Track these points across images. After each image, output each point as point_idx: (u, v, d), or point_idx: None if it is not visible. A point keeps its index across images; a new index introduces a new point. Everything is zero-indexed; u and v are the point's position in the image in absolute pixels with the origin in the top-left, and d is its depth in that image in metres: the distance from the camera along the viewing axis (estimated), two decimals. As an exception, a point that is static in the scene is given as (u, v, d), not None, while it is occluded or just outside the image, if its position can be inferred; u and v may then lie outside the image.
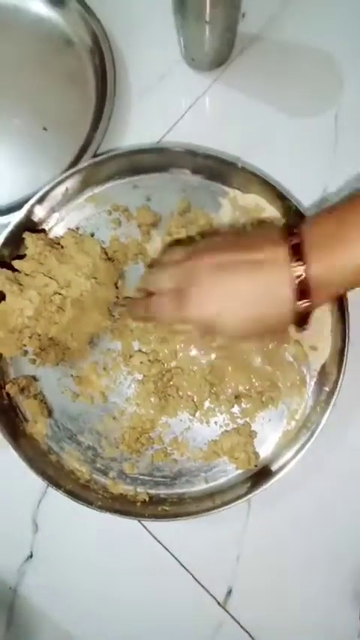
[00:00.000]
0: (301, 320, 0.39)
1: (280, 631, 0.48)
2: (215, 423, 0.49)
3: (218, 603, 0.49)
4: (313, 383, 0.49)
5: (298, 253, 0.36)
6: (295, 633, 0.48)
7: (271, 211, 0.50)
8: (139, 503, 0.48)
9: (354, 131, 0.53)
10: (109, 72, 0.53)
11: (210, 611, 0.49)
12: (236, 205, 0.50)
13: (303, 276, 0.36)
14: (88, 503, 0.47)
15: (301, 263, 0.36)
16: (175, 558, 0.49)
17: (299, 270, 0.36)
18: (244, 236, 0.42)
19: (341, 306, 0.47)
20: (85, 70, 0.54)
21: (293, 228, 0.38)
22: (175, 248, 0.46)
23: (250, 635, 0.48)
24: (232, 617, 0.48)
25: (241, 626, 0.48)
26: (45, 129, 0.54)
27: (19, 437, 0.49)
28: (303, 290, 0.37)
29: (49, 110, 0.54)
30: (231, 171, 0.50)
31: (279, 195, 0.49)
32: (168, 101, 0.55)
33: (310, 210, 0.51)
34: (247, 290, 0.38)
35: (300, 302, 0.37)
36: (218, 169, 0.50)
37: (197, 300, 0.39)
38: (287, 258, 0.37)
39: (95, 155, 0.51)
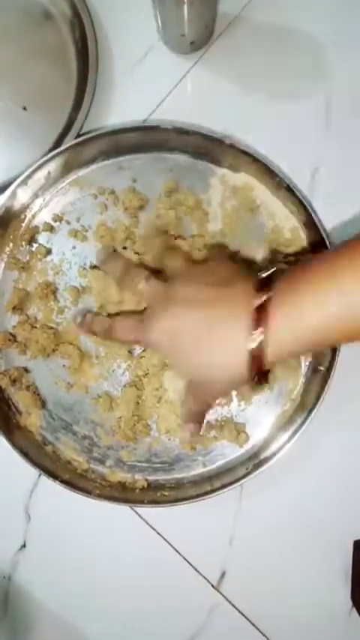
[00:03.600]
0: (258, 378, 0.38)
1: (273, 611, 0.49)
2: (211, 407, 0.48)
3: (212, 586, 0.49)
4: (308, 363, 0.48)
5: (261, 315, 0.36)
6: (287, 613, 0.49)
7: (261, 190, 0.49)
8: (137, 490, 0.48)
9: (345, 112, 0.51)
10: (91, 47, 0.50)
11: (204, 594, 0.49)
12: (226, 185, 0.49)
13: (259, 342, 0.36)
14: (87, 492, 0.46)
15: (261, 330, 0.35)
16: (169, 543, 0.49)
17: (257, 335, 0.36)
18: (220, 277, 0.40)
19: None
20: (65, 45, 0.52)
21: (265, 285, 0.37)
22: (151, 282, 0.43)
23: (244, 616, 0.49)
24: (226, 598, 0.49)
25: (235, 608, 0.49)
26: (25, 109, 0.51)
27: (13, 429, 0.48)
28: (257, 355, 0.36)
29: (29, 89, 0.51)
30: (219, 149, 0.48)
31: (269, 173, 0.48)
32: (154, 79, 0.52)
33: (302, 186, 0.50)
34: (205, 339, 0.37)
35: (253, 370, 0.37)
36: (206, 147, 0.49)
37: (151, 327, 0.39)
38: (249, 318, 0.36)
39: (79, 135, 0.49)
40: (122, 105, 0.52)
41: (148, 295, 0.42)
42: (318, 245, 0.47)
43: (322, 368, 0.47)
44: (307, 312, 0.35)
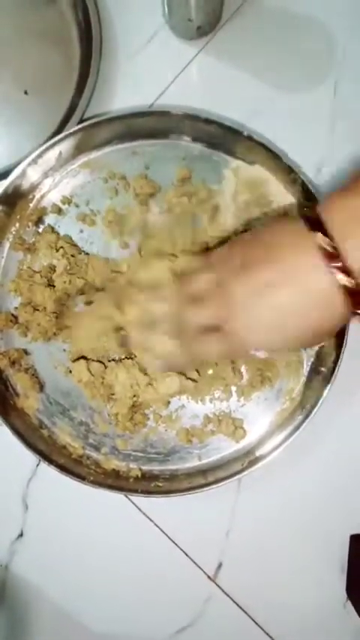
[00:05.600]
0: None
1: (269, 602, 0.49)
2: (210, 401, 0.48)
3: (208, 577, 0.49)
4: (310, 363, 0.48)
5: (331, 250, 0.33)
6: (283, 605, 0.49)
7: (274, 184, 0.48)
8: (131, 479, 0.48)
9: (354, 101, 0.50)
10: (95, 29, 0.49)
11: (200, 585, 0.49)
12: (239, 177, 0.48)
13: (344, 274, 0.32)
14: (81, 478, 0.46)
15: (338, 262, 0.32)
16: (165, 534, 0.50)
17: (337, 266, 0.32)
18: (267, 238, 0.37)
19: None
20: (68, 27, 0.50)
21: (312, 220, 0.34)
22: (189, 275, 0.41)
23: (240, 607, 0.49)
24: (222, 590, 0.49)
25: (231, 599, 0.49)
26: (26, 93, 0.50)
27: (9, 411, 0.47)
28: (350, 290, 0.33)
29: (30, 72, 0.50)
30: (234, 139, 0.47)
31: (284, 167, 0.47)
32: (159, 65, 0.51)
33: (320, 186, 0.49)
34: (291, 304, 0.35)
35: (353, 306, 0.33)
36: (221, 137, 0.48)
37: (244, 333, 0.36)
38: (320, 256, 0.33)
39: (82, 121, 0.48)
40: (126, 90, 0.51)
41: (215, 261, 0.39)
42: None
43: (324, 369, 0.47)
44: None
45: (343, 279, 0.32)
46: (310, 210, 0.35)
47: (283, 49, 0.51)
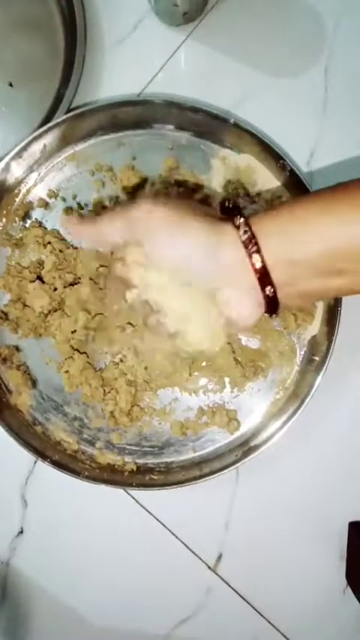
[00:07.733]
0: (271, 308, 0.36)
1: (270, 591, 0.50)
2: (204, 393, 0.48)
3: (209, 567, 0.50)
4: (303, 352, 0.48)
5: (252, 241, 0.34)
6: (283, 592, 0.50)
7: (262, 172, 0.48)
8: (126, 473, 0.48)
9: (345, 86, 0.49)
10: (79, 18, 0.47)
11: (201, 576, 0.50)
12: (227, 165, 0.48)
13: (261, 265, 0.34)
14: (76, 473, 0.46)
15: (256, 249, 0.34)
16: (165, 527, 0.50)
17: (257, 259, 0.34)
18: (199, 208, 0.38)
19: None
20: (51, 15, 0.49)
21: (236, 218, 0.35)
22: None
23: (241, 596, 0.50)
24: (223, 580, 0.50)
25: (232, 588, 0.50)
26: (10, 85, 0.49)
27: (3, 408, 0.47)
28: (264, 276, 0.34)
29: (14, 63, 0.49)
30: (222, 127, 0.47)
31: (273, 155, 0.46)
32: (145, 52, 0.50)
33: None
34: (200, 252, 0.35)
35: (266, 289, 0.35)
36: (208, 125, 0.47)
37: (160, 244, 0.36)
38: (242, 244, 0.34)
39: (68, 111, 0.47)
40: (113, 79, 0.50)
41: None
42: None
43: (316, 358, 0.47)
44: (304, 241, 0.33)
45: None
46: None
47: (271, 33, 0.50)
